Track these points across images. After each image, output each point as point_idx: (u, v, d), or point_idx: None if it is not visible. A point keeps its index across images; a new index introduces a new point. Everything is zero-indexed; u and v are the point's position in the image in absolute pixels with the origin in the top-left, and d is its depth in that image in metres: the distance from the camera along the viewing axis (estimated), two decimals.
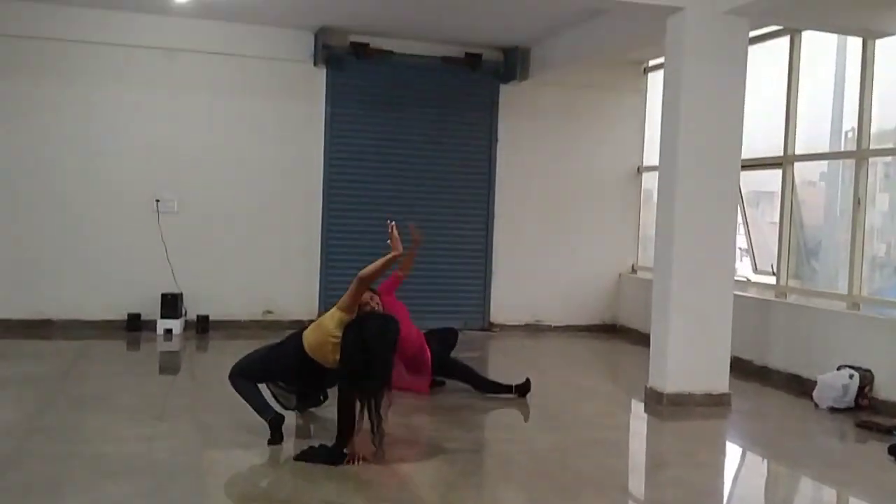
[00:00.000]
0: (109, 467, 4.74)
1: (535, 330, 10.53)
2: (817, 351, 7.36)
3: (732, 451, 6.17)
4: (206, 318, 9.33)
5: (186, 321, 9.28)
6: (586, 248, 10.73)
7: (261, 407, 5.28)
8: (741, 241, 8.90)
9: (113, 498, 4.28)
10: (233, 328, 9.39)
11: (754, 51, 7.48)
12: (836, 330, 7.32)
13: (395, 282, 6.96)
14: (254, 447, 5.19)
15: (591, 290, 10.76)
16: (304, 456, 4.97)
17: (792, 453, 5.80)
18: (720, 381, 6.82)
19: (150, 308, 9.14)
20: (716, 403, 6.73)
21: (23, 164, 9.03)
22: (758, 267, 9.13)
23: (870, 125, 7.44)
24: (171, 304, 9.09)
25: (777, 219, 8.48)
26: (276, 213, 9.75)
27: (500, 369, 8.85)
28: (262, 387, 5.42)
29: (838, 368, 6.89)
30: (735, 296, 6.99)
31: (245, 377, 5.34)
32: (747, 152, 7.25)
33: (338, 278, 9.80)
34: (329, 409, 5.53)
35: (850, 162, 7.68)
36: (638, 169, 10.92)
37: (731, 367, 6.92)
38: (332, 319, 5.10)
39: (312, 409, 5.89)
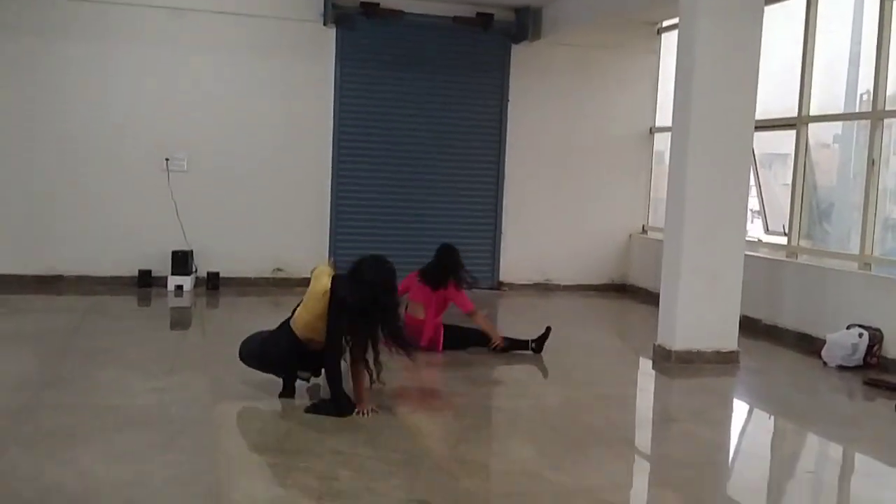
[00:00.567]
0: (122, 419, 4.80)
1: (544, 289, 10.55)
2: (827, 310, 7.37)
3: (740, 408, 6.20)
4: (216, 274, 9.39)
5: (197, 278, 9.34)
6: (597, 208, 10.71)
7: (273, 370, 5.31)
8: (753, 202, 8.87)
9: (125, 448, 4.34)
10: (243, 285, 9.45)
11: (770, 11, 7.37)
12: (847, 290, 7.31)
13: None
14: (264, 400, 5.25)
15: (601, 250, 10.76)
16: (314, 409, 5.02)
17: (800, 410, 5.82)
18: (729, 339, 6.84)
19: (160, 264, 9.19)
20: (724, 361, 6.76)
21: (35, 122, 9.03)
22: (769, 228, 9.10)
23: (885, 87, 7.34)
24: (182, 261, 9.14)
25: (790, 181, 8.43)
26: (286, 172, 9.75)
27: (510, 328, 8.88)
28: None
29: (848, 328, 6.89)
30: (746, 256, 6.99)
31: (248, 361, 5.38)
32: (761, 113, 7.18)
33: (347, 237, 9.85)
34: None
35: (865, 123, 7.61)
36: (650, 130, 10.85)
37: (740, 325, 6.94)
38: (319, 282, 5.01)
39: None
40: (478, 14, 10.08)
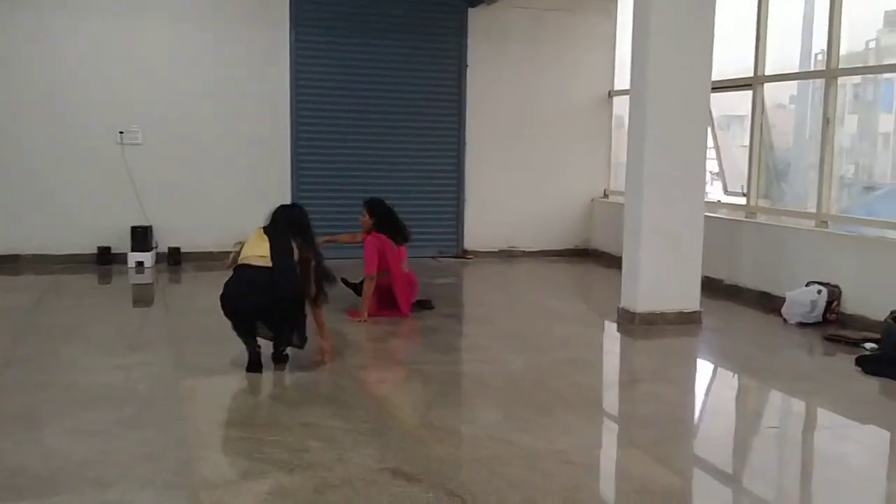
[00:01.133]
0: (86, 396, 4.74)
1: (508, 256, 10.59)
2: (786, 269, 7.50)
3: (703, 367, 6.30)
4: (177, 250, 9.27)
5: (158, 254, 9.22)
6: (558, 173, 10.74)
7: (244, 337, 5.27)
8: (712, 164, 8.95)
9: (92, 425, 4.28)
10: (205, 259, 9.32)
11: None
12: (805, 248, 7.44)
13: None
14: (231, 374, 5.21)
15: (564, 215, 10.81)
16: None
17: (762, 367, 5.93)
18: (691, 300, 6.94)
19: (120, 241, 9.05)
20: (687, 321, 6.86)
21: None
22: (728, 189, 9.20)
23: (839, 46, 7.42)
24: (142, 237, 9.01)
25: (748, 142, 8.51)
26: (244, 143, 9.61)
27: (475, 295, 8.95)
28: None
29: (807, 285, 7.03)
30: (706, 217, 7.07)
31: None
32: (717, 74, 7.23)
33: (308, 207, 9.71)
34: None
35: (820, 83, 7.69)
36: (609, 93, 10.87)
37: (702, 286, 7.04)
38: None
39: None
40: None
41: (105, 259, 9.08)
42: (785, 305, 7.05)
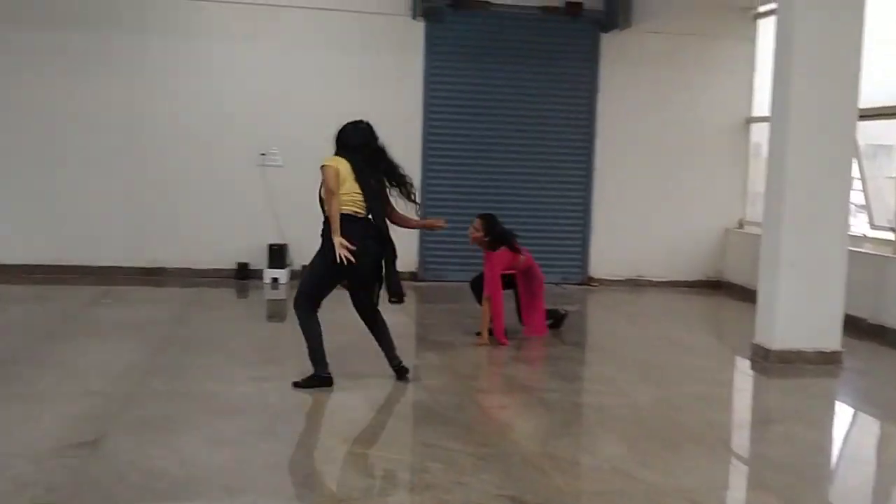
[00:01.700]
0: (222, 406, 4.96)
1: (635, 285, 10.38)
2: None
3: (843, 410, 5.98)
4: None
5: (292, 271, 9.56)
6: (691, 201, 10.46)
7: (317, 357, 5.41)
8: (857, 196, 8.51)
9: (226, 434, 4.47)
10: None
11: None
12: None
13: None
14: (356, 391, 5.34)
15: (695, 245, 10.50)
16: (304, 384, 5.30)
17: None
18: (832, 339, 6.58)
19: (257, 258, 9.45)
20: (826, 361, 6.51)
21: (138, 119, 9.40)
22: (874, 223, 8.71)
23: None
24: (278, 255, 9.39)
25: None
26: None
27: (600, 324, 8.82)
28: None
29: None
30: (849, 251, 6.71)
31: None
32: (865, 102, 6.88)
33: (436, 234, 9.85)
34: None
35: None
36: (747, 120, 10.53)
37: (843, 324, 6.67)
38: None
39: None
40: (567, 3, 9.97)
41: (243, 274, 9.51)
42: None
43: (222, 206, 9.59)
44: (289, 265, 9.53)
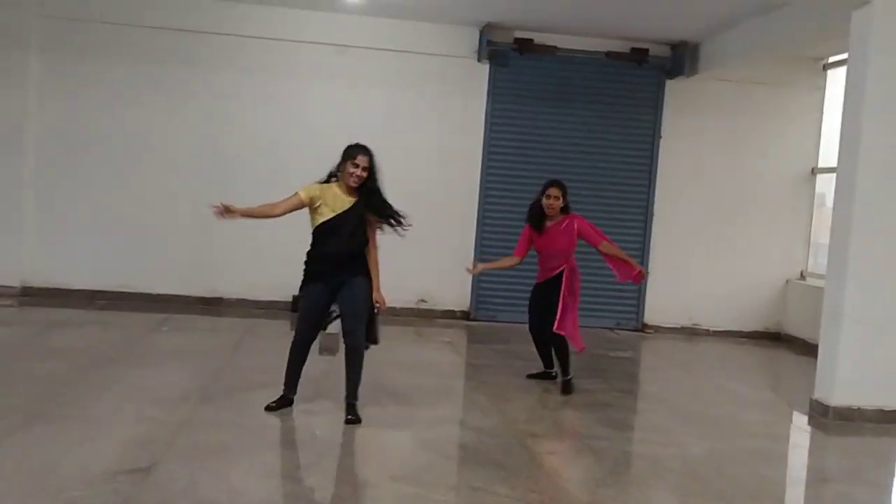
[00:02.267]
0: (273, 438, 5.02)
1: (691, 333, 10.21)
2: None
3: None
4: None
5: None
6: (751, 250, 10.29)
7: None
8: None
9: (274, 467, 4.52)
10: (389, 315, 9.61)
11: None
12: None
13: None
14: (403, 428, 5.35)
15: (755, 295, 10.30)
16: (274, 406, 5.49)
17: None
18: (893, 397, 6.38)
19: None
20: (889, 420, 6.30)
21: (202, 152, 9.68)
22: None
23: None
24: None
25: None
26: (435, 205, 9.91)
27: (654, 372, 8.69)
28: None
29: None
30: None
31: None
32: None
33: (490, 272, 9.85)
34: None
35: None
36: (812, 170, 10.35)
37: None
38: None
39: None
40: (632, 49, 9.99)
41: (298, 307, 9.58)
42: None
43: (282, 238, 9.71)
44: None
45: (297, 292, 9.42)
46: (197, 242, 9.66)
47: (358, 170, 5.66)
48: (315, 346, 5.78)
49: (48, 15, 9.40)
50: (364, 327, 5.54)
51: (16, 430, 4.81)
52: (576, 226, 6.72)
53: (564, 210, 6.80)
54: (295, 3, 9.38)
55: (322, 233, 5.59)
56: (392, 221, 5.56)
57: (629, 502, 4.49)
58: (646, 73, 10.11)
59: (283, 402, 5.58)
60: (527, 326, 6.94)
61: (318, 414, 5.58)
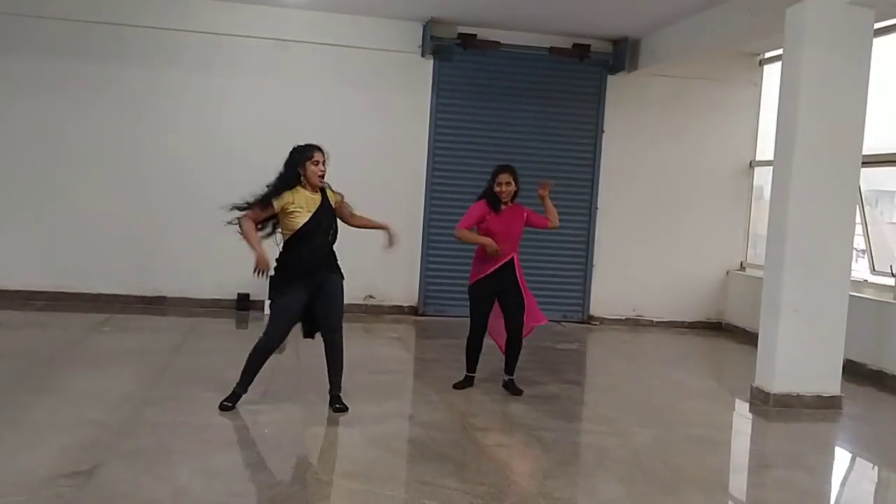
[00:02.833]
0: (219, 438, 4.94)
1: (635, 324, 10.37)
2: None
3: (842, 456, 5.93)
4: None
5: None
6: (692, 243, 10.49)
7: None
8: (858, 241, 8.52)
9: (221, 466, 4.45)
10: None
11: (880, 42, 7.13)
12: None
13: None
14: (352, 425, 5.32)
15: (696, 286, 10.52)
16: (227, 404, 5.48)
17: None
18: (831, 383, 6.57)
19: (258, 288, 9.42)
20: (826, 406, 6.49)
21: (141, 148, 9.47)
22: (875, 268, 8.72)
23: None
24: None
25: None
26: (381, 201, 9.80)
27: (600, 363, 8.80)
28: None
29: None
30: (850, 296, 6.70)
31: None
32: (868, 148, 6.93)
33: (438, 267, 9.92)
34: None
35: None
36: (750, 164, 10.59)
37: (843, 369, 6.66)
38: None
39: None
40: (574, 45, 10.08)
41: (243, 305, 9.50)
42: None
43: (224, 236, 9.55)
44: None
45: (241, 290, 9.42)
46: (137, 240, 9.47)
47: (319, 166, 5.84)
48: None
49: None
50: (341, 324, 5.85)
51: None
52: (525, 214, 6.71)
53: (515, 196, 6.69)
54: None
55: (305, 233, 5.69)
56: None
57: (577, 493, 4.54)
58: (588, 69, 10.22)
59: (236, 399, 5.53)
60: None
61: (265, 412, 5.52)
